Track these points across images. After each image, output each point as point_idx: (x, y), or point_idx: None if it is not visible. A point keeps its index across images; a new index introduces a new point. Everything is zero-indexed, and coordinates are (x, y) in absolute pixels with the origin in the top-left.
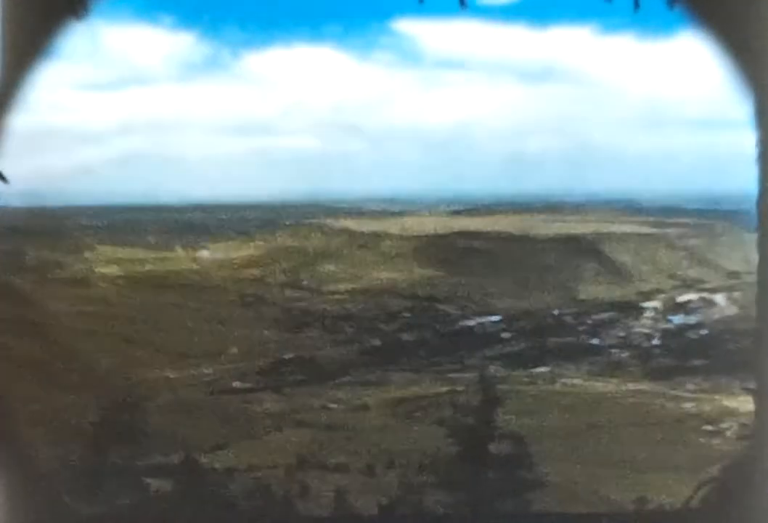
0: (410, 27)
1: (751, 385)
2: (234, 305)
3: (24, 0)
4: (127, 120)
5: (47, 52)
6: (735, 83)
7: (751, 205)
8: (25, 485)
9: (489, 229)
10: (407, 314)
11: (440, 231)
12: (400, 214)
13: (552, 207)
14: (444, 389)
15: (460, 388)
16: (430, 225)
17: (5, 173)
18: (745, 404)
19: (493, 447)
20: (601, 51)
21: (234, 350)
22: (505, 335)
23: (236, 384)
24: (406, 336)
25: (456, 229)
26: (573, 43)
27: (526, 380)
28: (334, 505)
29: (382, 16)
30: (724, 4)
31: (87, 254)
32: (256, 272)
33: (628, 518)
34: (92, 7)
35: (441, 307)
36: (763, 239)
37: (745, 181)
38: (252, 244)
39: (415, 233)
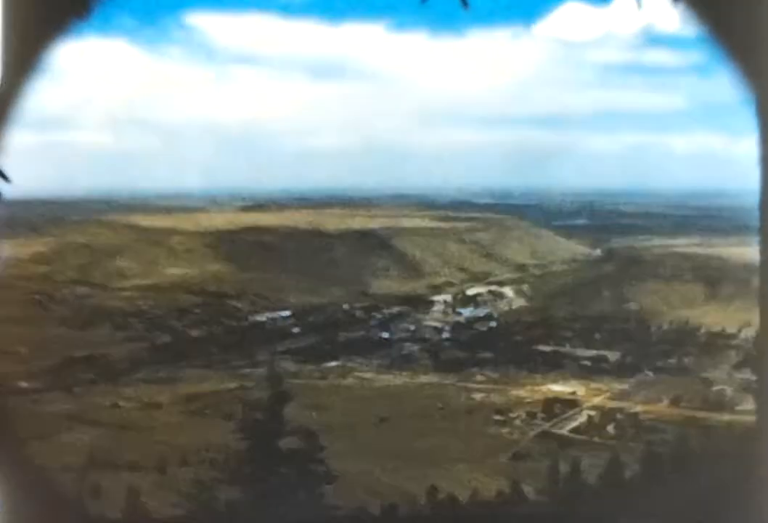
0: (203, 21)
1: (753, 384)
2: (21, 303)
3: (26, 1)
4: None
5: (50, 52)
6: (737, 85)
7: (538, 199)
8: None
9: (279, 224)
10: (197, 310)
11: (230, 227)
12: (191, 210)
13: (342, 202)
14: (234, 384)
15: (249, 383)
16: (220, 221)
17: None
18: (533, 393)
19: (283, 442)
20: (394, 48)
21: (22, 349)
22: (295, 329)
23: (24, 384)
24: (196, 332)
25: (246, 225)
26: (365, 39)
27: (317, 374)
28: (126, 504)
29: (174, 8)
30: (725, 7)
31: None
32: (44, 269)
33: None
34: (95, 7)
35: (231, 302)
36: (764, 239)
37: (534, 178)
38: (40, 240)
39: (205, 229)
